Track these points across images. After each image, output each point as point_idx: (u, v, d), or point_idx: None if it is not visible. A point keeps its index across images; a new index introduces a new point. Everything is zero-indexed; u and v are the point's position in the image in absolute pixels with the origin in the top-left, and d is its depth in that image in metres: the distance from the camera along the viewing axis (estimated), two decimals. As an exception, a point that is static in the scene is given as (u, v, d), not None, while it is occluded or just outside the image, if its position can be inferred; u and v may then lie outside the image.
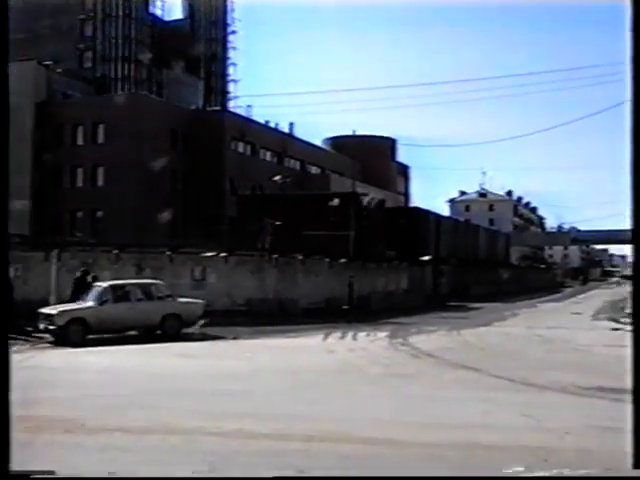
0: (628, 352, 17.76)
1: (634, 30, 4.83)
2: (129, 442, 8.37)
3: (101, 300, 21.99)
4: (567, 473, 6.07)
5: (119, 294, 22.49)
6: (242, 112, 69.78)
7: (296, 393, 12.48)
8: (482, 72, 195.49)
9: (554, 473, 6.14)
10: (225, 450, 8.08)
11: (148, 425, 9.39)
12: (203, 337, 22.41)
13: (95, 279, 25.26)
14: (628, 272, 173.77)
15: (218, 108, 70.55)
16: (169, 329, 22.49)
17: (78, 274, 25.30)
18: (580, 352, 19.42)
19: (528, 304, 46.46)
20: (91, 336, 21.29)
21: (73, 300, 23.47)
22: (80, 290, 23.74)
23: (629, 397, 11.55)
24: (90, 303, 21.97)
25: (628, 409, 10.68)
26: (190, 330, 23.17)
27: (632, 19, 4.85)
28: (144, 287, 23.50)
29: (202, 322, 23.75)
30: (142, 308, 22.47)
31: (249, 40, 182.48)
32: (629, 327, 24.04)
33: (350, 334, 23.81)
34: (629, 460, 4.56)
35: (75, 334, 20.97)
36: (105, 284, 22.92)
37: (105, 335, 21.73)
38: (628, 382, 13.53)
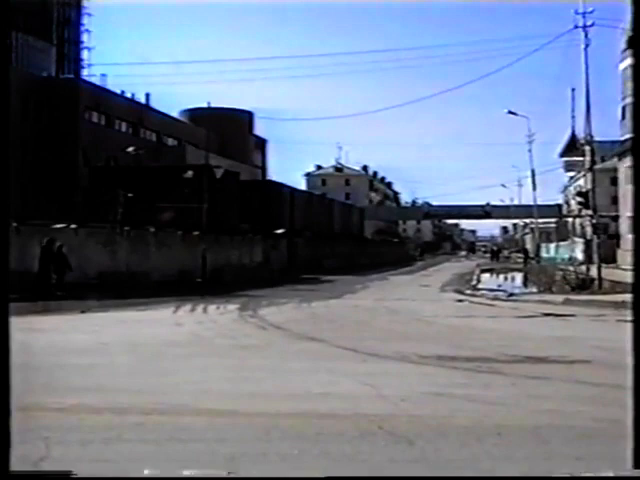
0: (470, 322, 18.49)
1: (634, 30, 4.92)
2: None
3: None
4: (567, 474, 6.28)
5: None
6: (96, 81, 68.09)
7: (141, 366, 12.36)
8: (338, 47, 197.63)
9: (553, 474, 6.34)
10: (62, 425, 7.93)
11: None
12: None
13: (60, 248, 26.57)
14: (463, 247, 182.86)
15: (71, 76, 68.60)
16: None
17: (44, 243, 26.28)
18: (424, 323, 19.99)
19: (380, 277, 47.53)
20: None
21: (41, 269, 25.27)
22: (47, 259, 25.37)
23: (465, 365, 12.10)
24: None
25: (460, 375, 11.19)
26: None
27: (632, 19, 4.93)
28: None
29: None
30: None
31: (104, 6, 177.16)
32: (473, 299, 24.90)
33: (201, 307, 23.76)
34: (629, 460, 4.74)
35: None
36: None
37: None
38: (465, 350, 14.13)
